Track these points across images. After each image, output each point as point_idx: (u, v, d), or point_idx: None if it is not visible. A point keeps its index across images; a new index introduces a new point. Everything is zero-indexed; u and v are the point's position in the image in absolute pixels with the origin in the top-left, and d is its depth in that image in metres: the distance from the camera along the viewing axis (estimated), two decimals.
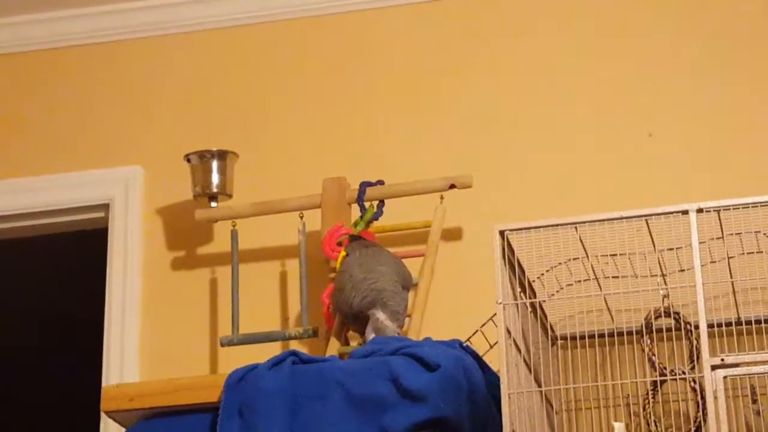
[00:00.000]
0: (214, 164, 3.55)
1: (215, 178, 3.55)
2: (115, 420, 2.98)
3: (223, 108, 3.81)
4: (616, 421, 3.01)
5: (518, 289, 2.78)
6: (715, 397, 2.52)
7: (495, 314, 2.73)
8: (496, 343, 2.81)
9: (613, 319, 3.07)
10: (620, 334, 3.05)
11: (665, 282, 2.93)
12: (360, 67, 3.77)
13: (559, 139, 3.57)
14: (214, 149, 3.55)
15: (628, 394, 3.09)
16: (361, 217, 3.40)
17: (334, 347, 3.19)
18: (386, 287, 3.01)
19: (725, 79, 3.53)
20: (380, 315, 2.98)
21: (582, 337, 3.05)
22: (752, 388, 2.88)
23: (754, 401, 2.88)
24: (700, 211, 2.66)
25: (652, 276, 2.91)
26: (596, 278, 2.95)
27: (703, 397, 2.86)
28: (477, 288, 3.24)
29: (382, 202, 3.43)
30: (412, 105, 3.69)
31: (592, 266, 2.92)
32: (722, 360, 2.56)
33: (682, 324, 3.00)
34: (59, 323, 5.77)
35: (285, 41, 3.83)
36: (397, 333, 2.98)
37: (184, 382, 2.90)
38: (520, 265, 2.78)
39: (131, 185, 3.76)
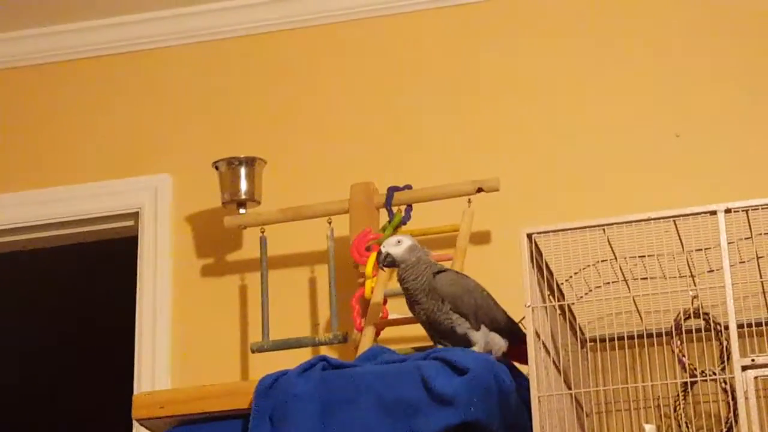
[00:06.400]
0: (242, 171, 3.56)
1: (243, 185, 3.56)
2: (146, 427, 2.99)
3: (250, 115, 3.82)
4: (647, 422, 3.01)
5: (547, 292, 2.77)
6: (746, 398, 2.51)
7: (524, 317, 2.73)
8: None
9: (642, 321, 3.06)
10: (650, 335, 3.03)
11: (694, 283, 2.91)
12: (387, 73, 3.77)
13: (586, 141, 3.56)
14: (242, 156, 3.57)
15: (659, 396, 3.09)
16: (389, 221, 3.40)
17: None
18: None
19: (752, 80, 3.51)
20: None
21: (612, 339, 3.03)
22: None
23: None
24: (728, 211, 2.65)
25: (681, 277, 2.89)
26: (625, 280, 2.94)
27: (734, 398, 2.85)
28: (505, 291, 3.22)
29: (409, 207, 3.44)
30: (439, 109, 3.70)
31: (620, 268, 2.91)
32: (753, 360, 2.55)
33: (712, 325, 2.98)
34: (90, 332, 5.79)
35: (312, 47, 3.84)
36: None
37: (215, 389, 2.91)
38: (548, 268, 2.77)
39: (160, 193, 3.78)
